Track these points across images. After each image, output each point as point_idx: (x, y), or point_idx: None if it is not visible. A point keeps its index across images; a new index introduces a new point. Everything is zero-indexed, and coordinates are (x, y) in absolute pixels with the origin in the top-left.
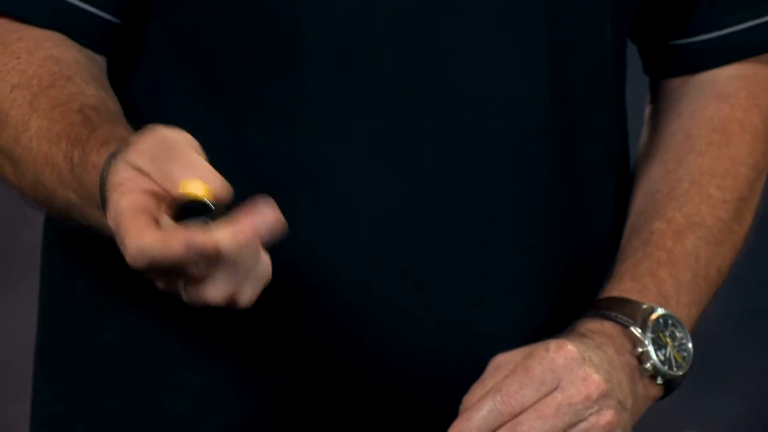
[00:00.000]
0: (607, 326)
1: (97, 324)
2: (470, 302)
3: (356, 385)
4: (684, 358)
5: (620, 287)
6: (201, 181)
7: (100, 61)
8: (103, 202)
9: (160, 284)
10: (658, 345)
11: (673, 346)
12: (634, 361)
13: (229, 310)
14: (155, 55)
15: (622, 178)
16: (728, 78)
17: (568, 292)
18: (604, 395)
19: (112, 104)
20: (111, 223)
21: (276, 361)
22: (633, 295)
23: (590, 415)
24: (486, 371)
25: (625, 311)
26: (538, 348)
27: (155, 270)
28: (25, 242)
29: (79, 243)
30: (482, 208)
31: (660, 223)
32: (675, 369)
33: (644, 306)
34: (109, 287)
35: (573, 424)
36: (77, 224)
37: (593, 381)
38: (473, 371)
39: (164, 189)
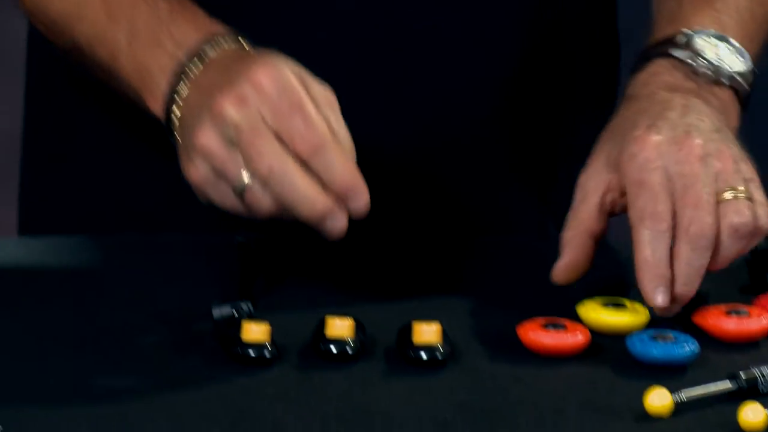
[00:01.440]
0: (660, 63)
1: (79, 119)
2: (448, 103)
3: None
4: (741, 60)
5: (658, 34)
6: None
7: None
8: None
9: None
10: (709, 47)
11: (726, 48)
12: (693, 85)
13: None
14: None
15: None
16: None
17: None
18: (708, 153)
19: None
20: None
21: None
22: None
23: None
24: (577, 197)
25: (669, 44)
26: (626, 157)
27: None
28: None
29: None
30: (459, 13)
31: None
32: (732, 67)
33: (688, 30)
34: (90, 86)
35: (718, 193)
36: (76, 49)
37: (695, 149)
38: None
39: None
